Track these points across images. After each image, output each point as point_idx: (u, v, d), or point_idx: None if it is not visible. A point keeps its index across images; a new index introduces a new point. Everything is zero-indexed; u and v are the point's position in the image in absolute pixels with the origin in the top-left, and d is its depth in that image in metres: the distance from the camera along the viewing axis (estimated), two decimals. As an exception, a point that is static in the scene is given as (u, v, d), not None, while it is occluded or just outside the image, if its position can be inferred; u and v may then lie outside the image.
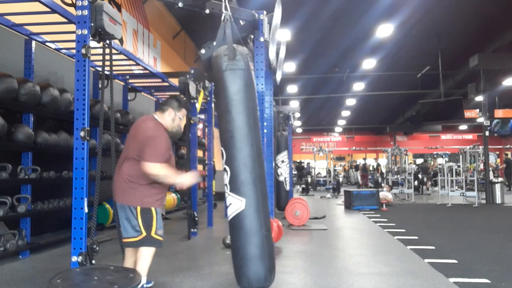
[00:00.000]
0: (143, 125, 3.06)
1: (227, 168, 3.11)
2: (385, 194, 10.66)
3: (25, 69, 4.77)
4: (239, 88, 3.12)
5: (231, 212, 3.10)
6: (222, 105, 3.14)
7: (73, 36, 3.02)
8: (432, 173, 17.87)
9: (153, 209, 2.94)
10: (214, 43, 3.34)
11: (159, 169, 2.89)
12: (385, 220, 7.83)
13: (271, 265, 3.12)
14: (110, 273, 2.45)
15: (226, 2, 3.34)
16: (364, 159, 25.66)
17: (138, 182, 2.93)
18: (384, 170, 20.42)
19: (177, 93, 7.05)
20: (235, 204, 3.08)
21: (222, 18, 3.27)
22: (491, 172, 12.53)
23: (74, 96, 2.97)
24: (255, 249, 3.05)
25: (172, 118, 3.13)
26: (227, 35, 3.16)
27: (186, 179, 3.03)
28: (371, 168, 22.95)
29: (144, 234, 2.90)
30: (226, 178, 3.12)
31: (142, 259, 2.91)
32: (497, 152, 25.96)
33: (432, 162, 20.43)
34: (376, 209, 9.81)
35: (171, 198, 8.29)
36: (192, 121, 6.22)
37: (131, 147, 3.01)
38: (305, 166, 24.13)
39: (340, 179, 19.82)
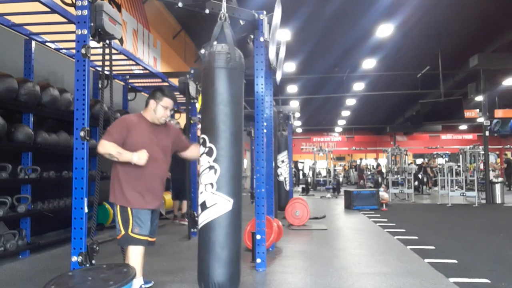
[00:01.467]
0: None
1: (216, 166, 2.98)
2: (382, 193, 10.68)
3: (25, 69, 4.77)
4: (237, 88, 3.13)
5: (215, 213, 2.96)
6: (219, 100, 3.04)
7: (73, 36, 3.02)
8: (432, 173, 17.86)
9: (128, 208, 2.91)
10: (215, 43, 3.33)
11: (106, 146, 2.81)
12: (385, 220, 7.83)
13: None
14: (103, 272, 2.45)
15: (224, 2, 3.34)
16: (360, 159, 25.66)
17: (117, 180, 2.95)
18: (384, 170, 20.42)
19: (177, 93, 7.06)
20: (222, 204, 2.97)
21: (219, 16, 3.27)
22: (491, 172, 12.52)
23: (74, 96, 2.96)
24: (236, 251, 3.01)
25: (154, 109, 3.05)
26: (227, 35, 3.15)
27: (142, 155, 2.86)
28: (369, 168, 22.92)
29: (123, 232, 2.90)
30: (213, 177, 2.98)
31: (129, 259, 2.91)
32: (497, 152, 25.94)
33: (432, 162, 20.42)
34: (376, 209, 9.81)
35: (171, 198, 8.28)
36: (192, 121, 6.23)
37: None
38: (300, 168, 24.18)
39: (340, 179, 19.81)
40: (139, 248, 2.93)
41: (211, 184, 2.99)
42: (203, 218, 3.01)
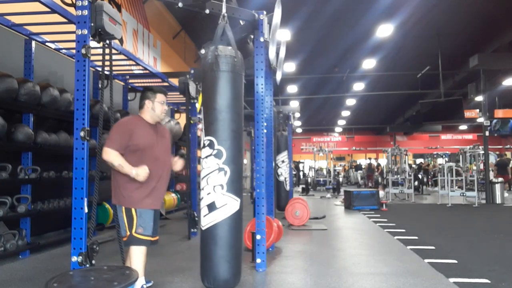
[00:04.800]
0: None
1: (226, 168, 3.06)
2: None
3: (25, 69, 4.77)
4: (240, 90, 3.22)
5: (225, 213, 3.05)
6: (226, 103, 3.11)
7: (73, 36, 3.02)
8: (432, 173, 17.82)
9: (133, 209, 2.93)
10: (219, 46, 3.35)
11: (110, 155, 2.88)
12: (385, 220, 7.83)
13: None
14: (105, 272, 2.45)
15: (225, 2, 3.34)
16: (370, 158, 25.60)
17: (120, 182, 2.97)
18: (384, 170, 20.39)
19: (177, 93, 7.07)
20: (232, 204, 3.07)
21: (220, 18, 3.28)
22: (491, 172, 12.51)
23: (74, 96, 2.96)
24: (240, 248, 3.20)
25: (152, 108, 3.10)
26: (230, 38, 3.18)
27: (141, 172, 2.89)
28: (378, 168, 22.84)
29: (129, 233, 2.93)
30: (223, 178, 3.06)
31: (132, 259, 2.94)
32: (497, 152, 25.97)
33: (431, 162, 20.38)
34: (376, 209, 9.81)
35: (171, 198, 8.29)
36: (192, 121, 6.23)
37: None
38: (300, 168, 24.16)
39: (340, 179, 19.80)
40: (142, 248, 2.95)
41: (221, 185, 3.06)
42: (211, 218, 3.07)
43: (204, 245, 3.12)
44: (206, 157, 3.11)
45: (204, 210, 3.10)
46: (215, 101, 3.15)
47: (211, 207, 3.07)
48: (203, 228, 3.13)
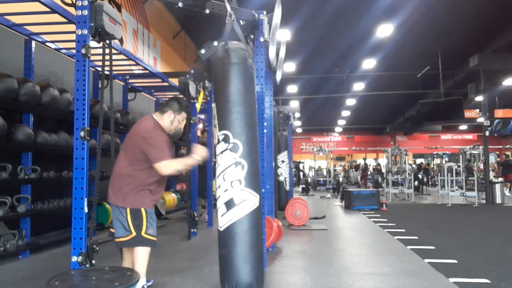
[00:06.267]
0: (141, 125, 3.08)
1: (243, 162, 2.94)
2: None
3: (25, 69, 4.77)
4: (252, 83, 3.19)
5: (245, 210, 2.91)
6: (239, 96, 3.05)
7: (73, 36, 3.02)
8: (436, 172, 17.74)
9: (142, 209, 2.94)
10: (215, 43, 3.34)
11: (173, 165, 2.93)
12: (385, 220, 7.83)
13: None
14: (107, 273, 2.45)
15: (227, 2, 3.35)
16: (364, 159, 25.64)
17: (129, 184, 2.94)
18: (384, 170, 20.39)
19: (177, 93, 7.07)
20: (251, 200, 2.93)
21: (227, 16, 3.30)
22: (491, 172, 12.50)
23: (74, 96, 2.96)
24: (262, 249, 3.05)
25: (171, 120, 3.12)
26: (238, 33, 3.19)
27: (200, 152, 2.98)
28: (370, 169, 22.88)
29: (134, 234, 2.90)
30: (240, 173, 2.93)
31: (138, 260, 2.93)
32: (497, 152, 25.95)
33: (432, 162, 20.37)
34: (376, 209, 9.81)
35: (171, 198, 8.29)
36: (192, 121, 6.22)
37: (127, 147, 3.06)
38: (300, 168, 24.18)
39: (340, 179, 19.81)
40: (149, 249, 2.96)
41: (239, 180, 2.94)
42: (230, 217, 2.93)
43: (222, 246, 2.97)
44: (222, 152, 3.00)
45: (221, 209, 2.97)
46: (228, 94, 3.05)
47: (229, 204, 2.93)
48: (221, 229, 2.99)
